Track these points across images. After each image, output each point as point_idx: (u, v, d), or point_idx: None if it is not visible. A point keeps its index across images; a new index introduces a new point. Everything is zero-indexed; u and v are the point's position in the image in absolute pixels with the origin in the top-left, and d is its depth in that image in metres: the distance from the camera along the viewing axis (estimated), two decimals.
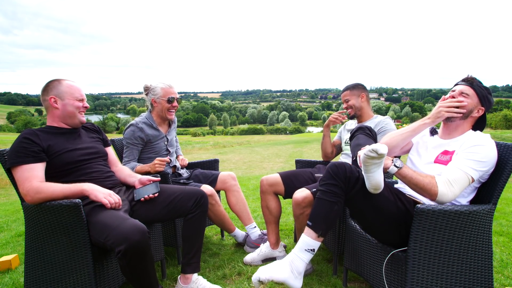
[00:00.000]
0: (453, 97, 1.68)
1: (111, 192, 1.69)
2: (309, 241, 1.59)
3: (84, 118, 1.93)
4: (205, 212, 1.94)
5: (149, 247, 1.54)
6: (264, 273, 1.56)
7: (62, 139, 1.80)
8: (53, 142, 1.74)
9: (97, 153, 1.93)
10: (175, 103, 2.46)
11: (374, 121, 2.44)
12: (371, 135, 1.85)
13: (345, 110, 2.55)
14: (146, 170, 2.28)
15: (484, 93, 1.65)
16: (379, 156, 1.40)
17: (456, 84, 1.73)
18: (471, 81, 1.68)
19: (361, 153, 1.46)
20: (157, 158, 2.32)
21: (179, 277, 1.93)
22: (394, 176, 1.65)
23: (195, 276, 1.93)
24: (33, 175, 1.60)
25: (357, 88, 2.50)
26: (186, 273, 1.91)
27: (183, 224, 1.92)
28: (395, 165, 1.53)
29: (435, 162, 1.68)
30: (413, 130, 1.77)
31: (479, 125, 1.72)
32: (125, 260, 1.47)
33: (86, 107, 1.92)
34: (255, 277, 1.57)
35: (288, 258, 1.61)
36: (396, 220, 1.55)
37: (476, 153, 1.52)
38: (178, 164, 2.65)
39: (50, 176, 1.70)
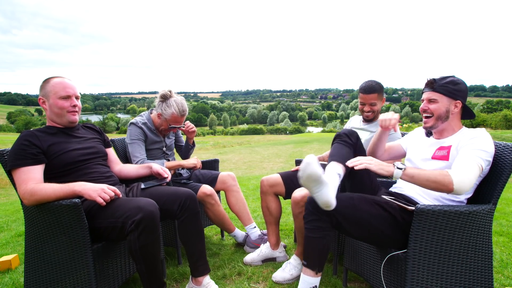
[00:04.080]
0: (425, 106, 1.69)
1: (104, 186, 1.62)
2: (309, 279, 1.63)
3: (74, 117, 1.81)
4: (195, 214, 1.84)
5: (159, 224, 1.62)
6: None
7: (61, 139, 1.79)
8: (53, 142, 1.73)
9: (97, 153, 1.91)
10: (175, 130, 2.53)
11: None
12: (350, 142, 1.77)
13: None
14: (176, 165, 2.47)
15: (449, 89, 1.63)
16: (313, 176, 1.39)
17: (423, 92, 1.73)
18: (431, 85, 1.67)
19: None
20: (197, 159, 2.53)
21: (191, 277, 1.91)
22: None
23: (206, 280, 1.87)
24: (30, 177, 1.59)
25: (382, 90, 2.23)
26: (195, 276, 1.87)
27: (178, 229, 1.87)
28: (398, 168, 1.51)
29: (432, 158, 1.69)
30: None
31: (467, 115, 1.72)
32: (137, 232, 1.51)
33: (74, 105, 1.77)
34: None
35: None
36: (385, 229, 1.55)
37: (478, 143, 1.52)
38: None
39: (51, 176, 1.70)
